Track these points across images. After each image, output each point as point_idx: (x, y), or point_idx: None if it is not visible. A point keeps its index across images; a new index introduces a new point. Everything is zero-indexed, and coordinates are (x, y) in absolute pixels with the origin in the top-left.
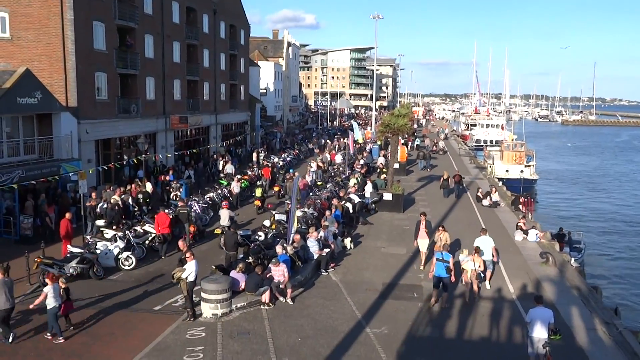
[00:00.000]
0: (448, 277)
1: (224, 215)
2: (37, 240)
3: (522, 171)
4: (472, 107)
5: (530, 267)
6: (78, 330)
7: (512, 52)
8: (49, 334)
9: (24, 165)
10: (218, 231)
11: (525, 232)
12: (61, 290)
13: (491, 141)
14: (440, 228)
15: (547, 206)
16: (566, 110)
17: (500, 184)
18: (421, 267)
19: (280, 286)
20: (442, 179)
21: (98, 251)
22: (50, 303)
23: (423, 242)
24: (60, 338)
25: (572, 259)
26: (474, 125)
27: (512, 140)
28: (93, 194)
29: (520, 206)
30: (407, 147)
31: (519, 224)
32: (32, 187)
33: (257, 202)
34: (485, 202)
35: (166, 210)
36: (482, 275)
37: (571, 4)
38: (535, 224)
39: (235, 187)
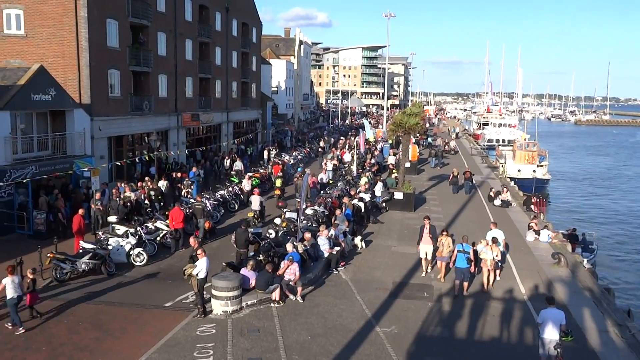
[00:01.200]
0: (468, 267)
1: (255, 200)
2: (50, 235)
3: (534, 171)
4: (484, 106)
5: (541, 268)
6: (90, 325)
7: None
8: (9, 324)
9: (37, 161)
10: (250, 214)
11: (537, 233)
12: (29, 280)
13: (503, 140)
14: (444, 233)
15: (559, 207)
16: (579, 110)
17: (512, 183)
18: (423, 274)
19: (291, 284)
20: (451, 175)
21: (110, 247)
22: (9, 294)
23: (426, 248)
24: (21, 329)
25: (585, 260)
26: (486, 124)
27: (525, 139)
28: (97, 195)
29: (532, 206)
30: (418, 146)
31: (530, 224)
32: (45, 183)
33: (277, 192)
34: (497, 201)
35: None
36: (500, 264)
37: (585, 3)
38: (547, 225)
39: (246, 184)
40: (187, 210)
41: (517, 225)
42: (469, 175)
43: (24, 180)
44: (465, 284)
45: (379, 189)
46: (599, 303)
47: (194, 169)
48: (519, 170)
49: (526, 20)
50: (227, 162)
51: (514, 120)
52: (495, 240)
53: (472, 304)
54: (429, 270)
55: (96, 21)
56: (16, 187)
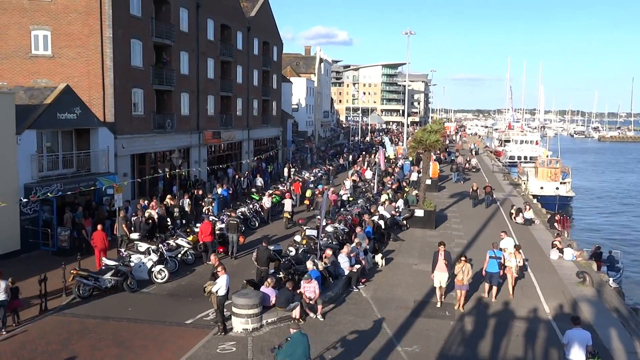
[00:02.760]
0: (499, 271)
1: (288, 203)
2: (73, 252)
3: (557, 188)
4: (506, 123)
5: (566, 287)
6: (112, 342)
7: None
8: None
9: (62, 178)
10: (287, 215)
11: (561, 251)
12: (11, 285)
13: (525, 157)
14: (462, 259)
15: (583, 224)
16: (603, 126)
17: (534, 201)
18: (438, 305)
19: (311, 302)
20: (471, 189)
21: (132, 264)
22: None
23: (441, 276)
24: (3, 331)
25: (610, 279)
26: (508, 141)
27: (547, 156)
28: (121, 213)
29: (555, 224)
30: (439, 163)
31: (554, 243)
32: (70, 201)
33: (307, 202)
34: (519, 219)
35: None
36: (523, 270)
37: (607, 19)
38: (571, 243)
39: (267, 201)
40: (222, 225)
41: (540, 244)
42: (489, 189)
43: (49, 197)
44: (495, 289)
45: (399, 206)
46: (626, 324)
47: (218, 188)
48: (541, 188)
49: (548, 37)
50: (244, 182)
51: (536, 136)
52: (518, 248)
53: (495, 323)
54: (443, 300)
55: (121, 41)
56: (41, 204)
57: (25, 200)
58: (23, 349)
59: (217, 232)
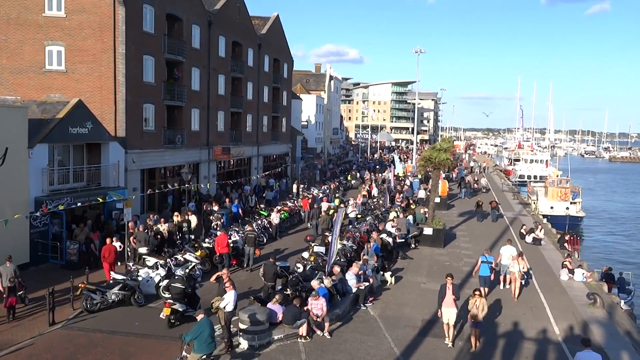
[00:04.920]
0: (490, 275)
1: (325, 205)
2: (82, 265)
3: (567, 208)
4: (516, 142)
5: (576, 308)
6: (118, 357)
7: (557, 87)
8: None
9: (72, 192)
10: (324, 214)
11: (572, 272)
12: (9, 285)
13: (535, 177)
14: (476, 293)
15: (594, 245)
16: (614, 146)
17: (544, 220)
18: (449, 344)
19: (318, 319)
20: (476, 204)
21: (140, 278)
22: None
23: (450, 312)
24: None
25: (622, 301)
26: (517, 160)
27: (557, 176)
28: (130, 226)
29: (565, 244)
30: (448, 181)
31: (564, 263)
32: (80, 214)
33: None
34: (529, 238)
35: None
36: (526, 276)
37: (618, 39)
38: (582, 263)
39: (275, 217)
40: (235, 238)
41: (550, 264)
42: (495, 204)
43: (59, 210)
44: (486, 289)
45: (406, 223)
46: (638, 347)
47: (226, 203)
48: (551, 207)
49: (558, 57)
50: (251, 200)
51: (545, 156)
52: (521, 254)
53: (504, 344)
54: (452, 336)
55: (133, 57)
56: (51, 217)
57: (37, 214)
58: None
59: (231, 245)
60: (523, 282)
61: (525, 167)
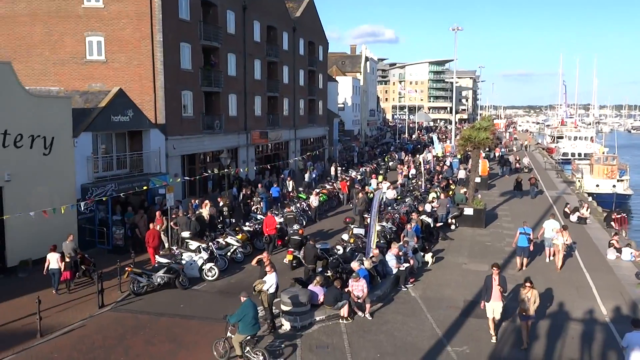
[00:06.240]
0: (528, 246)
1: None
2: (127, 250)
3: (614, 186)
4: (558, 119)
5: (624, 288)
6: (165, 338)
7: (602, 61)
8: (53, 290)
9: (116, 179)
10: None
11: (619, 251)
12: (66, 260)
13: (579, 154)
14: (527, 285)
15: None
16: None
17: (589, 199)
18: (493, 339)
19: (359, 301)
20: (515, 181)
21: (183, 262)
22: (53, 265)
23: (496, 306)
24: (54, 291)
25: None
26: (560, 137)
27: (603, 153)
28: (174, 212)
29: (612, 223)
30: (489, 161)
31: (611, 242)
32: (124, 200)
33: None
34: (573, 217)
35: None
36: (570, 249)
37: None
38: (629, 242)
39: (314, 200)
40: (281, 220)
41: (596, 243)
42: (534, 181)
43: (104, 198)
44: (526, 260)
45: (446, 204)
46: None
47: (260, 188)
48: (597, 185)
49: (602, 28)
50: (288, 184)
51: (590, 132)
52: (565, 227)
53: (548, 324)
54: (497, 331)
55: (171, 45)
56: (97, 203)
57: (83, 203)
58: (81, 343)
59: (277, 226)
60: (565, 253)
61: (569, 145)
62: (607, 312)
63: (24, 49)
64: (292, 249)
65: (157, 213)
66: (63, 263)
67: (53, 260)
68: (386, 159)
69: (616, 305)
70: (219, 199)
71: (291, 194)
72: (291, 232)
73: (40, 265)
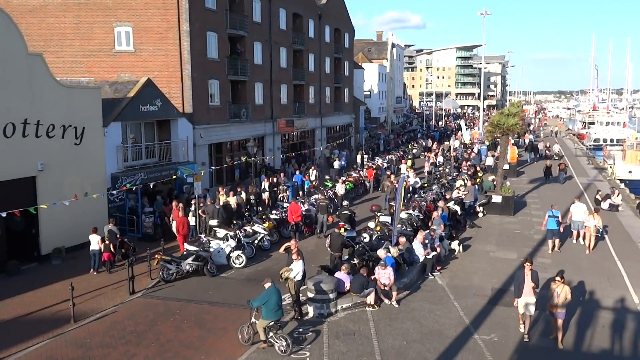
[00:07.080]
0: (558, 228)
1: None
2: (157, 238)
3: None
4: (590, 104)
5: None
6: (194, 324)
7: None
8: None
9: (145, 168)
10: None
11: None
12: (106, 242)
13: (611, 140)
14: (558, 279)
15: None
16: None
17: (622, 185)
18: (525, 337)
19: (386, 288)
20: (544, 166)
21: (211, 249)
22: (93, 246)
23: (528, 300)
24: (92, 270)
25: None
26: (592, 123)
27: (636, 138)
28: (202, 200)
29: None
30: (517, 148)
31: None
32: (152, 189)
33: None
34: (605, 204)
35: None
36: (602, 230)
37: None
38: None
39: (340, 188)
40: (306, 207)
41: (628, 231)
42: (564, 166)
43: (134, 188)
44: (558, 242)
45: (474, 191)
46: None
47: (281, 176)
48: (630, 172)
49: (636, 11)
50: (312, 174)
51: (623, 117)
52: (597, 210)
53: (579, 312)
54: (527, 328)
55: (197, 34)
56: (127, 192)
57: (114, 192)
58: (113, 329)
59: (303, 213)
60: (599, 235)
61: (601, 130)
62: (639, 301)
63: (55, 41)
64: (342, 222)
65: (174, 203)
66: (103, 244)
67: (94, 242)
68: (410, 147)
69: None
70: (249, 186)
71: (314, 183)
72: (341, 207)
73: (73, 252)
